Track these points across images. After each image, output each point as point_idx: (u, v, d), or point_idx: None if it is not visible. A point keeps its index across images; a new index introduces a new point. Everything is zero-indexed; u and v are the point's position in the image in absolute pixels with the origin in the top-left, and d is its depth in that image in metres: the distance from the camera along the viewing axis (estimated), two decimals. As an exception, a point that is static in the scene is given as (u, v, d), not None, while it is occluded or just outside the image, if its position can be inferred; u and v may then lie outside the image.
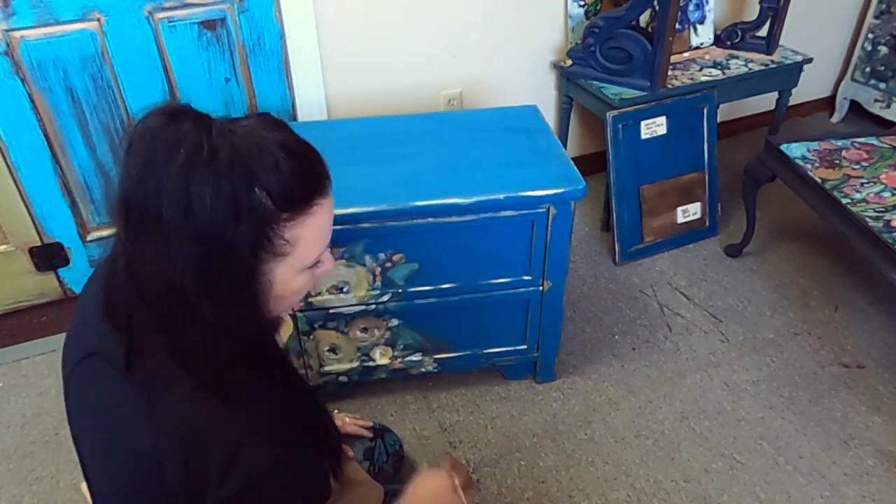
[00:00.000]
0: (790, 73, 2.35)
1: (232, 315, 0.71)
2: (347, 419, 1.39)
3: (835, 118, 3.05)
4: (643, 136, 2.15)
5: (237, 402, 0.72)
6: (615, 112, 2.07)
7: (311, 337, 1.61)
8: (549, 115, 2.46)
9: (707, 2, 2.35)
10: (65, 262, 1.99)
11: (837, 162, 1.91)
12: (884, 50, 2.75)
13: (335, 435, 0.86)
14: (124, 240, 0.71)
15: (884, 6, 2.71)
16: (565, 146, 2.43)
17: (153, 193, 0.66)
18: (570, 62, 2.22)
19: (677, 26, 2.19)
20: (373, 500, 1.19)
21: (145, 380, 0.73)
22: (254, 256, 0.71)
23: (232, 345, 0.72)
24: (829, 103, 3.12)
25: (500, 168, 1.50)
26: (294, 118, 2.07)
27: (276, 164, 0.70)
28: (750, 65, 2.28)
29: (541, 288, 1.61)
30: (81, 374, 0.80)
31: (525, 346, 1.74)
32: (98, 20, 1.71)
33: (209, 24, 1.82)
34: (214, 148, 0.67)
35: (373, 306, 1.57)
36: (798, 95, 2.62)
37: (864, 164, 1.90)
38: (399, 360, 1.69)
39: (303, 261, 0.76)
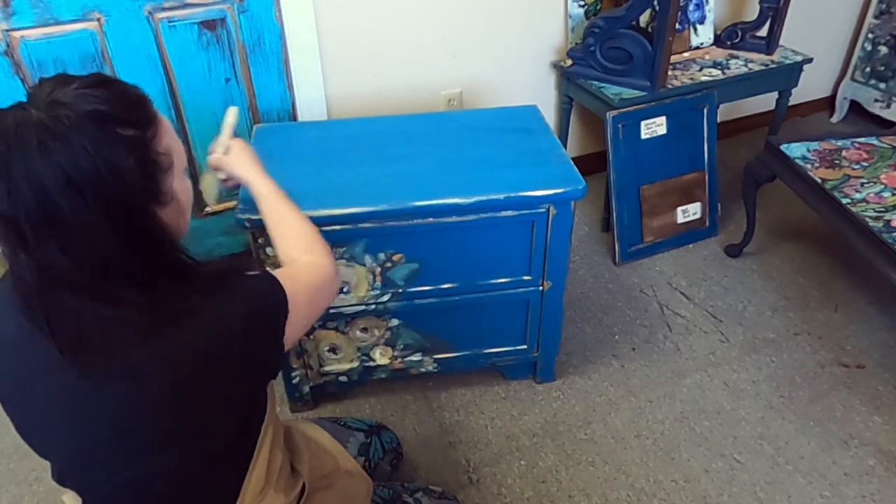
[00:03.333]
0: (790, 73, 2.35)
1: (165, 245, 0.79)
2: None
3: (835, 118, 3.05)
4: (643, 136, 2.15)
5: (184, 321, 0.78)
6: (615, 112, 2.07)
7: (311, 337, 1.60)
8: (549, 115, 2.46)
9: (707, 2, 2.35)
10: None
11: (837, 162, 1.91)
12: (884, 50, 2.75)
13: None
14: (30, 252, 0.72)
15: (884, 6, 2.71)
16: (565, 146, 2.43)
17: (36, 196, 0.69)
18: (570, 62, 2.22)
19: (677, 26, 2.19)
20: (362, 492, 1.20)
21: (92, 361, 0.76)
22: (153, 183, 0.78)
23: (165, 277, 0.79)
24: (829, 103, 3.12)
25: (500, 168, 1.50)
26: (294, 118, 2.07)
27: (106, 98, 0.74)
28: (750, 65, 2.28)
29: (541, 288, 1.61)
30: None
31: (525, 346, 1.74)
32: (98, 20, 1.71)
33: (209, 24, 1.82)
34: (56, 118, 0.70)
35: (373, 306, 1.57)
36: (798, 95, 2.62)
37: (864, 164, 1.90)
38: (399, 360, 1.69)
39: (181, 162, 0.84)
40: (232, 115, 1.26)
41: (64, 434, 0.83)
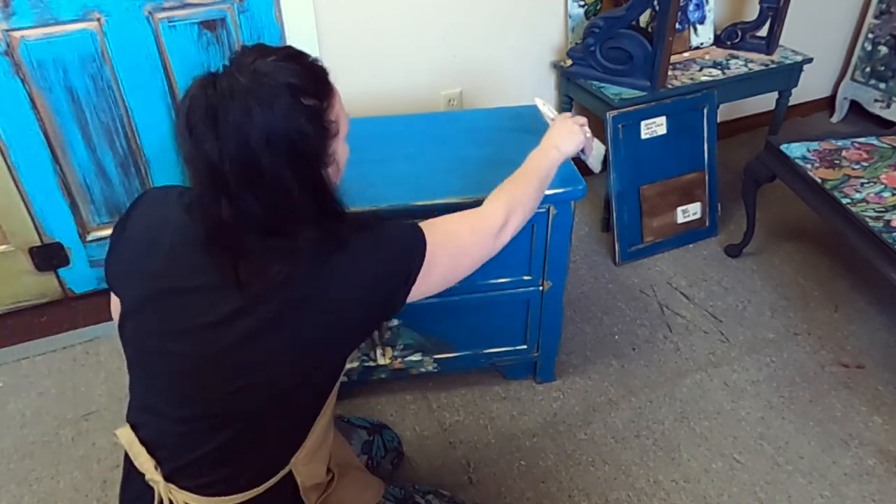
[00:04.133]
0: (790, 73, 2.35)
1: (323, 189, 0.91)
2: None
3: (835, 118, 3.05)
4: (643, 136, 2.15)
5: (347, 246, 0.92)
6: (615, 112, 2.07)
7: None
8: (549, 115, 2.46)
9: (707, 2, 2.35)
10: (65, 262, 1.99)
11: (837, 162, 1.91)
12: (884, 50, 2.75)
13: None
14: (231, 197, 0.84)
15: (884, 6, 2.71)
16: (565, 146, 2.42)
17: (240, 151, 0.82)
18: (570, 62, 2.22)
19: (677, 26, 2.19)
20: (373, 489, 1.21)
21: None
22: (323, 147, 0.90)
23: (329, 213, 0.92)
24: (829, 103, 3.12)
25: (500, 168, 1.49)
26: (294, 118, 2.07)
27: (298, 72, 0.87)
28: (750, 65, 2.28)
29: (541, 288, 1.61)
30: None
31: (525, 346, 1.74)
32: (98, 20, 1.71)
33: (209, 24, 1.82)
34: (261, 86, 0.83)
35: (373, 306, 1.56)
36: (798, 95, 2.62)
37: (864, 164, 1.90)
38: (399, 360, 1.69)
39: (345, 129, 0.96)
40: (543, 105, 1.49)
41: (190, 345, 0.90)
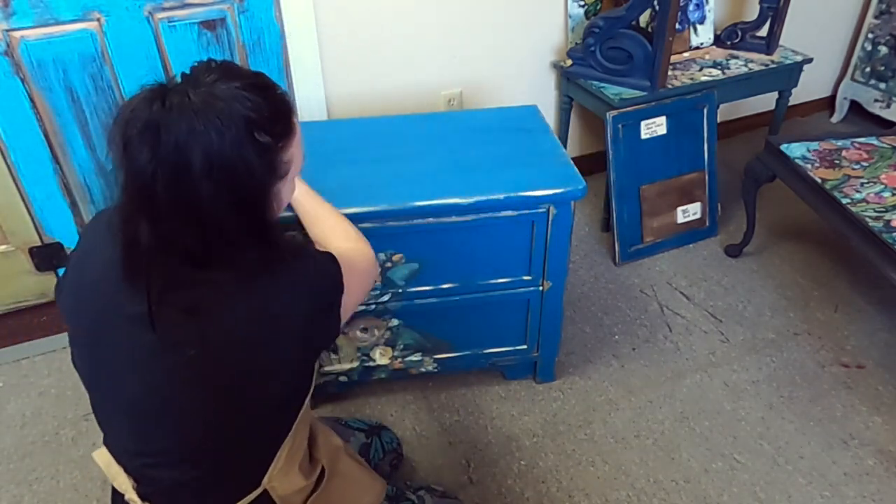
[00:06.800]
0: (790, 73, 2.35)
1: (262, 225, 0.85)
2: None
3: (835, 118, 3.05)
4: (643, 136, 2.15)
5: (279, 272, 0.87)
6: (615, 112, 2.07)
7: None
8: (549, 115, 2.46)
9: (707, 2, 2.35)
10: (65, 261, 1.99)
11: (837, 162, 1.91)
12: (884, 50, 2.75)
13: None
14: (155, 221, 0.78)
15: (884, 6, 2.71)
16: (565, 146, 2.43)
17: (178, 175, 0.76)
18: (570, 62, 2.22)
19: (677, 26, 2.19)
20: (372, 492, 1.21)
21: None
22: (267, 186, 0.84)
23: (262, 245, 0.86)
24: (829, 103, 3.12)
25: (500, 168, 1.50)
26: (294, 118, 2.07)
27: (258, 106, 0.81)
28: (750, 65, 2.28)
29: (541, 288, 1.61)
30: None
31: (525, 346, 1.74)
32: (98, 20, 1.71)
33: (209, 24, 1.82)
34: (212, 112, 0.77)
35: (373, 306, 1.57)
36: (798, 95, 2.62)
37: (864, 164, 1.90)
38: (399, 360, 1.69)
39: (296, 170, 0.92)
40: None
41: (123, 384, 0.87)
